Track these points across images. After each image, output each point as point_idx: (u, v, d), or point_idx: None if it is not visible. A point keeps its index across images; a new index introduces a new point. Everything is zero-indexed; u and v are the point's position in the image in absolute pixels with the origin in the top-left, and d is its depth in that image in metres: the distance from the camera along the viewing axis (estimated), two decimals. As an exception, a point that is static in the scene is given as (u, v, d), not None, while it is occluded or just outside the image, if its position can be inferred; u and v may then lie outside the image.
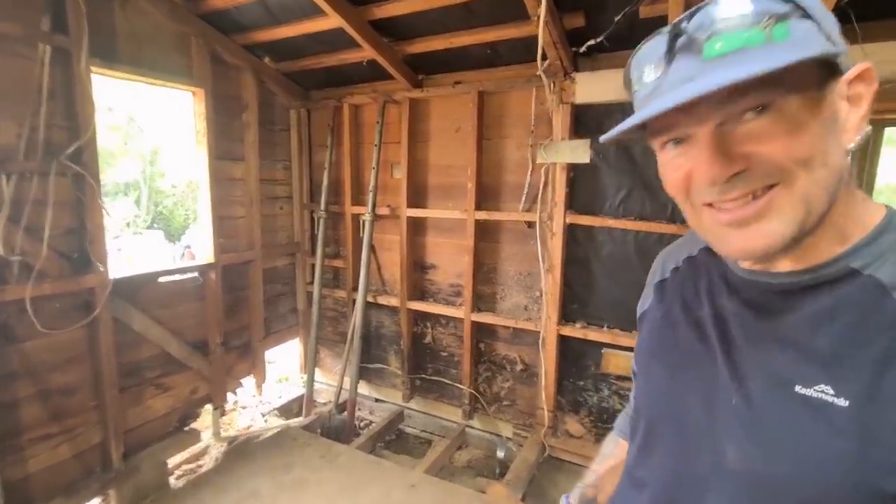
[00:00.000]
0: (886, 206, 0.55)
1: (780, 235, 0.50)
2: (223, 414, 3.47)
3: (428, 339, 3.55)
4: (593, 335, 2.80)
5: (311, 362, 3.61)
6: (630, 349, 2.65)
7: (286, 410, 4.13)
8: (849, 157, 0.51)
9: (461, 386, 3.40)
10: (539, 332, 2.98)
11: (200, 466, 3.30)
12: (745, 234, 0.52)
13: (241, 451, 3.10)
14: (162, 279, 2.94)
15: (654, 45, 0.54)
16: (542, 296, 2.99)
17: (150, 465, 2.87)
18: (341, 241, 3.81)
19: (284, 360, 4.68)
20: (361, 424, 3.78)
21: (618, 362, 2.24)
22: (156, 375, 2.93)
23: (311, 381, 3.61)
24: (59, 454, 2.46)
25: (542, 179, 2.85)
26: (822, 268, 0.54)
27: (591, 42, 2.36)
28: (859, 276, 0.52)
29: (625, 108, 2.56)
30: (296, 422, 3.66)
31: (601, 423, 2.94)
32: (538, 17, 2.03)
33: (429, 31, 2.76)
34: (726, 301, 0.63)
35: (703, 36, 0.49)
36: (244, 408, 3.99)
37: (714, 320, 0.63)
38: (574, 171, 2.76)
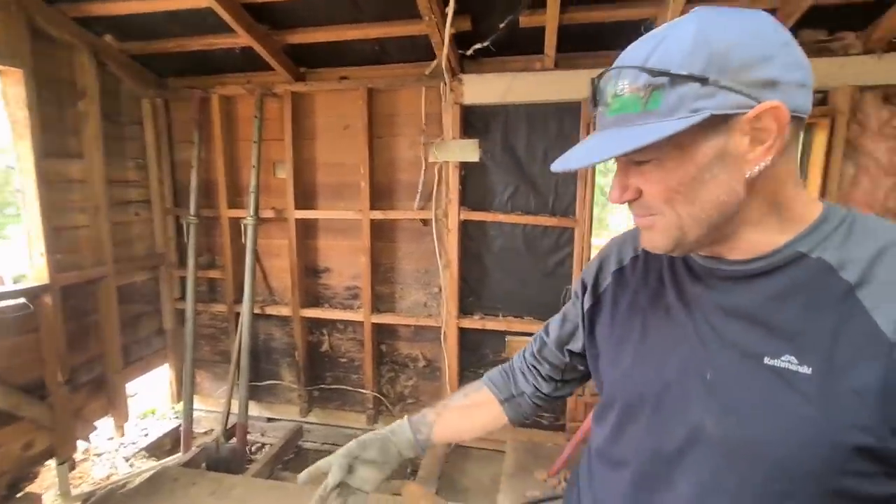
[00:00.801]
0: (824, 202, 0.66)
1: (663, 246, 0.66)
2: (73, 468, 2.86)
3: (325, 346, 3.37)
4: (491, 325, 2.96)
5: (187, 388, 3.17)
6: (526, 334, 2.87)
7: (156, 448, 3.56)
8: (758, 180, 0.59)
9: (364, 390, 3.31)
10: (440, 326, 3.05)
11: (45, 536, 2.67)
12: (646, 236, 0.68)
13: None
14: (-28, 309, 2.30)
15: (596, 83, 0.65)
16: (440, 291, 3.05)
17: (-31, 549, 2.24)
18: (217, 248, 3.40)
19: (148, 392, 4.04)
20: (253, 449, 3.44)
21: (518, 347, 2.41)
22: (-30, 434, 2.29)
23: (188, 411, 3.16)
24: None
25: (436, 177, 2.91)
26: (771, 255, 0.63)
27: (479, 46, 2.47)
28: (807, 258, 0.60)
29: (508, 111, 2.76)
30: (173, 459, 3.18)
31: (502, 407, 3.12)
32: (431, 18, 2.06)
33: (312, 21, 2.61)
34: (690, 287, 0.71)
35: (607, 95, 0.61)
36: (99, 455, 3.33)
37: (682, 304, 0.71)
38: (465, 169, 2.87)
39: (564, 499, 1.03)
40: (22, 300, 2.49)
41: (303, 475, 0.98)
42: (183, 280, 3.44)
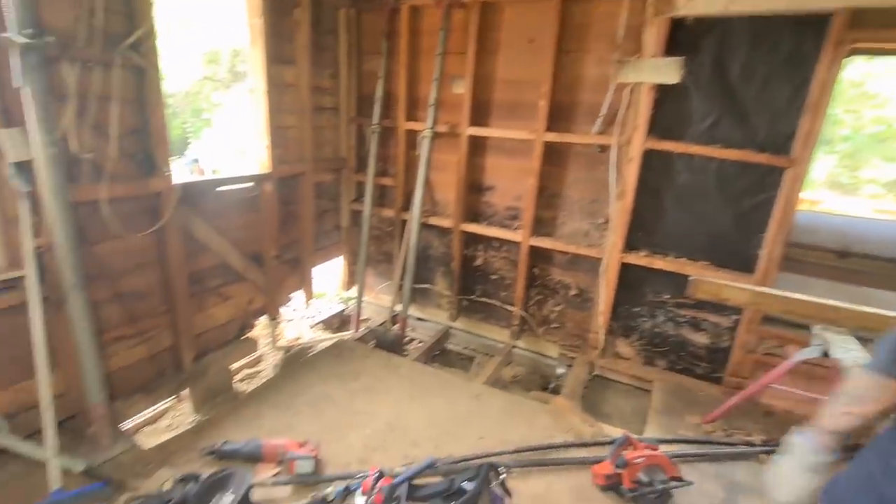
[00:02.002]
0: None
1: None
2: (277, 326, 3.54)
3: (479, 261, 3.56)
4: (659, 264, 2.82)
5: (360, 279, 3.63)
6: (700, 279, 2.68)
7: (328, 325, 4.24)
8: None
9: (511, 308, 3.48)
10: (600, 258, 3.00)
11: (259, 372, 3.43)
12: None
13: (301, 360, 3.21)
14: (220, 189, 2.84)
15: None
16: (606, 222, 2.97)
17: (217, 369, 2.97)
18: (391, 158, 3.67)
19: (320, 278, 4.73)
20: (405, 341, 3.90)
21: (708, 289, 2.28)
22: (217, 285, 2.94)
23: (360, 298, 3.65)
24: (135, 354, 2.51)
25: (624, 100, 2.71)
26: None
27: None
28: None
29: (727, 25, 2.38)
30: (345, 334, 3.77)
31: (651, 347, 3.06)
32: None
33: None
34: None
35: None
36: (289, 321, 4.07)
37: None
38: (660, 92, 2.62)
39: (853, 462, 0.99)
40: (252, 185, 3.01)
41: None
42: (360, 184, 3.82)
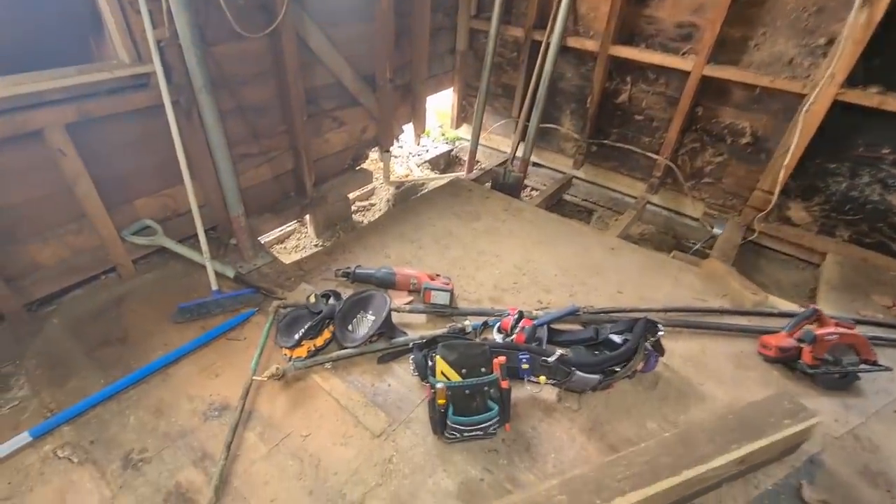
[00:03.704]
0: None
1: None
2: (388, 159, 3.35)
3: (622, 97, 2.95)
4: (892, 105, 2.09)
5: (479, 111, 3.19)
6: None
7: (434, 165, 4.01)
8: None
9: (654, 156, 2.95)
10: (803, 94, 2.29)
11: (372, 206, 3.38)
12: None
13: (416, 196, 3.06)
14: (331, -15, 2.39)
15: None
16: (829, 43, 2.18)
17: (336, 196, 2.92)
18: (526, -46, 2.89)
19: (428, 116, 4.37)
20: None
21: None
22: (332, 108, 2.70)
23: (477, 133, 3.27)
24: (261, 174, 2.45)
25: None
26: None
27: None
28: None
29: None
30: (457, 174, 3.53)
31: (836, 214, 2.49)
32: None
33: None
34: None
35: None
36: (396, 157, 3.89)
37: None
38: None
39: None
40: (365, -14, 2.51)
41: None
42: (482, -6, 3.14)
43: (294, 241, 2.96)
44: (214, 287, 1.92)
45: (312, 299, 1.82)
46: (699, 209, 2.95)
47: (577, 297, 2.10)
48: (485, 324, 1.87)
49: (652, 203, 3.12)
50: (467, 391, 1.43)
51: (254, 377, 1.53)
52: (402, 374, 1.69)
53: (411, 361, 1.68)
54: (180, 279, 2.06)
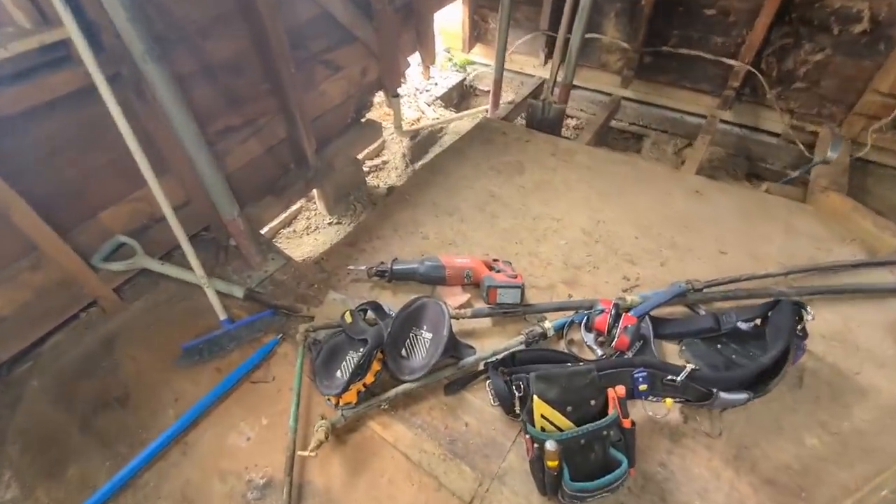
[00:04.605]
0: None
1: None
2: (397, 103, 2.76)
3: (689, -14, 2.30)
4: None
5: (503, 26, 2.52)
6: None
7: (446, 101, 3.40)
8: None
9: (730, 61, 2.36)
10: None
11: (385, 163, 2.87)
12: None
13: (435, 144, 2.54)
14: None
15: None
16: None
17: (344, 160, 2.42)
18: None
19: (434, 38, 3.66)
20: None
21: None
22: (322, 49, 2.11)
23: (501, 58, 2.64)
24: (250, 150, 1.95)
25: None
26: None
27: None
28: None
29: None
30: (480, 110, 2.96)
31: (979, 114, 1.97)
32: None
33: None
34: None
35: None
36: (402, 96, 3.27)
37: None
38: None
39: None
40: None
41: None
42: None
43: (304, 222, 2.51)
44: (222, 316, 1.51)
45: (349, 318, 1.42)
46: (782, 123, 2.41)
47: (670, 267, 1.68)
48: (570, 322, 1.47)
49: (723, 120, 2.57)
50: (583, 441, 1.08)
51: (298, 452, 1.18)
52: (479, 405, 1.33)
53: (489, 388, 1.32)
54: (178, 303, 1.65)
